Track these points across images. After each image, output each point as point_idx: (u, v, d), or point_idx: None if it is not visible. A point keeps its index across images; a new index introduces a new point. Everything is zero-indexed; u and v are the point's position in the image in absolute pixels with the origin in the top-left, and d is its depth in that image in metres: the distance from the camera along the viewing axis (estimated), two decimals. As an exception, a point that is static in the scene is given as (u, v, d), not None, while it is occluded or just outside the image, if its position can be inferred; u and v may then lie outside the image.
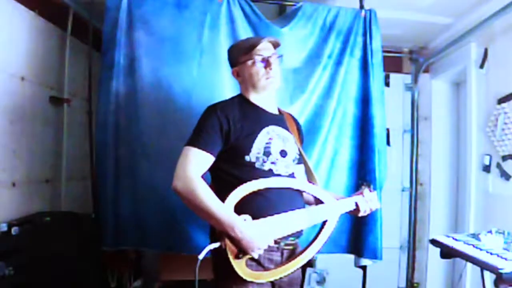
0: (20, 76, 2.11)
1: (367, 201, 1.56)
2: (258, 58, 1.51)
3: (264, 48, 1.53)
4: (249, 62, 1.52)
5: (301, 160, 1.60)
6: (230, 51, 1.63)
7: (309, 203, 1.62)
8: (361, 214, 1.57)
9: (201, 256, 1.32)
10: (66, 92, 2.55)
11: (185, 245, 1.99)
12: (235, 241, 1.33)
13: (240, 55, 1.56)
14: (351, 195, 1.61)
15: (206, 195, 1.34)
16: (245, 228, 1.32)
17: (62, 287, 1.94)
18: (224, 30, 2.13)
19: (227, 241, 1.34)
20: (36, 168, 2.25)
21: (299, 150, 1.59)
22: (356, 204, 1.56)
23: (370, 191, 1.59)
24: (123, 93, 2.03)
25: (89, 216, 2.29)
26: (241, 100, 1.57)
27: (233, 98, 1.60)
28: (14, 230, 1.75)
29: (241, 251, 1.34)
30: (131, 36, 2.04)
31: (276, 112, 1.62)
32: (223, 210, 1.33)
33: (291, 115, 1.74)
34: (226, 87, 2.06)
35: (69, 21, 2.55)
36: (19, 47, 2.12)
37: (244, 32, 2.14)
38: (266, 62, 1.52)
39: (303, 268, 1.59)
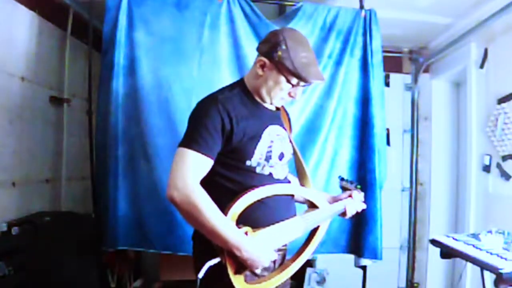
0: (20, 76, 2.11)
1: (354, 203, 1.57)
2: (294, 82, 1.36)
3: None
4: (284, 80, 1.35)
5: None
6: (279, 43, 1.32)
7: (297, 201, 1.57)
8: (348, 216, 1.58)
9: (200, 275, 1.21)
10: (66, 92, 2.56)
11: (184, 246, 1.98)
12: (240, 260, 1.24)
13: (285, 65, 1.32)
14: (340, 195, 1.61)
15: (210, 210, 1.20)
16: (252, 247, 1.23)
17: (62, 287, 1.94)
18: (224, 30, 2.13)
19: (227, 256, 1.24)
20: (36, 168, 2.26)
21: (293, 148, 1.53)
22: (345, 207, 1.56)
23: (359, 193, 1.61)
24: (123, 93, 2.03)
25: (89, 216, 2.29)
26: (241, 92, 1.40)
27: (232, 88, 1.41)
28: (14, 230, 1.75)
29: (243, 267, 1.27)
30: (131, 36, 2.04)
31: (273, 108, 1.49)
32: (229, 228, 1.21)
33: (283, 106, 1.61)
34: (226, 87, 2.06)
35: (69, 21, 2.56)
36: (19, 47, 2.12)
37: (244, 32, 2.14)
38: (295, 92, 1.40)
39: (303, 267, 1.58)
